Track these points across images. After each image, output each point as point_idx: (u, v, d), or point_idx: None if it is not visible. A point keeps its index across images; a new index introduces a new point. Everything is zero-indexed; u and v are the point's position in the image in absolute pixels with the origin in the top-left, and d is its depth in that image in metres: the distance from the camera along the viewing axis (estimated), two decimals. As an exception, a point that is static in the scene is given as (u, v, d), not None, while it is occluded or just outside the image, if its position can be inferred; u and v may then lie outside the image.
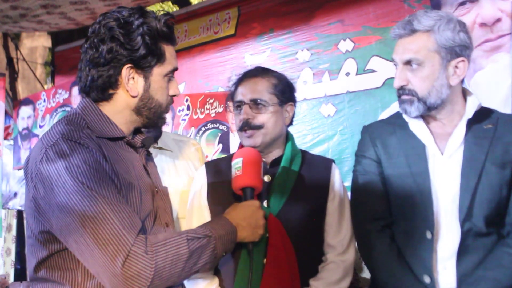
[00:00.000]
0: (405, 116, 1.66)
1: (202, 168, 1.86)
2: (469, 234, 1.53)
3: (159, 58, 1.33)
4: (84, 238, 1.14)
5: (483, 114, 1.61)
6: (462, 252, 1.53)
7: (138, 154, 1.40)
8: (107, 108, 1.34)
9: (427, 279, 1.54)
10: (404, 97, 1.59)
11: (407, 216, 1.62)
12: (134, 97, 1.33)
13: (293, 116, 1.83)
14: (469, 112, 1.59)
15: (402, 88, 1.59)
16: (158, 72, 1.34)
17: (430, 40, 1.54)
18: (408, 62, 1.56)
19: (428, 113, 1.60)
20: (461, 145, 1.58)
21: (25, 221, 1.31)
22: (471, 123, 1.58)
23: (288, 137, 1.82)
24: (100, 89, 1.31)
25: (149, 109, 1.36)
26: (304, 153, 1.84)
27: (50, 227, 1.21)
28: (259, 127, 1.71)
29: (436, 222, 1.56)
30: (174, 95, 1.41)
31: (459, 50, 1.55)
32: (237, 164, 1.53)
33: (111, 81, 1.31)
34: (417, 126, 1.64)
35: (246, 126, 1.71)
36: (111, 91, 1.32)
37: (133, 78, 1.32)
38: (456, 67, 1.56)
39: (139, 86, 1.33)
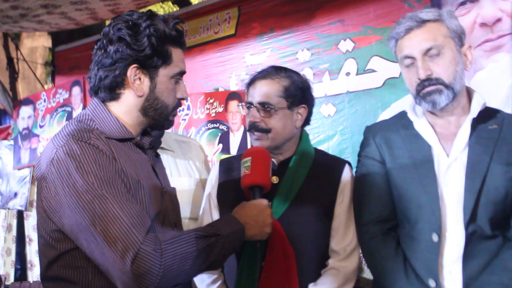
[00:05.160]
0: (410, 116, 1.64)
1: (216, 167, 1.86)
2: (474, 237, 1.49)
3: (165, 59, 1.35)
4: (94, 236, 1.16)
5: (488, 114, 1.59)
6: (467, 255, 1.50)
7: (146, 155, 1.41)
8: (115, 108, 1.37)
9: (432, 283, 1.51)
10: (431, 88, 1.54)
11: (412, 218, 1.59)
12: (140, 96, 1.35)
13: (308, 116, 1.77)
14: (474, 111, 1.56)
15: (427, 79, 1.53)
16: (164, 73, 1.36)
17: (443, 27, 1.55)
18: (427, 52, 1.53)
19: (433, 111, 1.58)
20: (466, 147, 1.55)
21: (36, 221, 1.32)
22: (476, 123, 1.56)
23: (301, 138, 1.79)
24: (108, 89, 1.34)
25: (155, 109, 1.37)
26: (317, 153, 1.80)
27: (61, 226, 1.23)
28: (266, 131, 1.68)
29: (443, 225, 1.53)
30: (182, 98, 1.42)
31: (463, 38, 1.58)
32: (246, 163, 1.52)
33: (118, 81, 1.33)
34: (422, 126, 1.62)
35: (253, 129, 1.70)
36: (118, 91, 1.35)
37: (140, 79, 1.34)
38: (465, 55, 1.58)
39: (145, 86, 1.35)
